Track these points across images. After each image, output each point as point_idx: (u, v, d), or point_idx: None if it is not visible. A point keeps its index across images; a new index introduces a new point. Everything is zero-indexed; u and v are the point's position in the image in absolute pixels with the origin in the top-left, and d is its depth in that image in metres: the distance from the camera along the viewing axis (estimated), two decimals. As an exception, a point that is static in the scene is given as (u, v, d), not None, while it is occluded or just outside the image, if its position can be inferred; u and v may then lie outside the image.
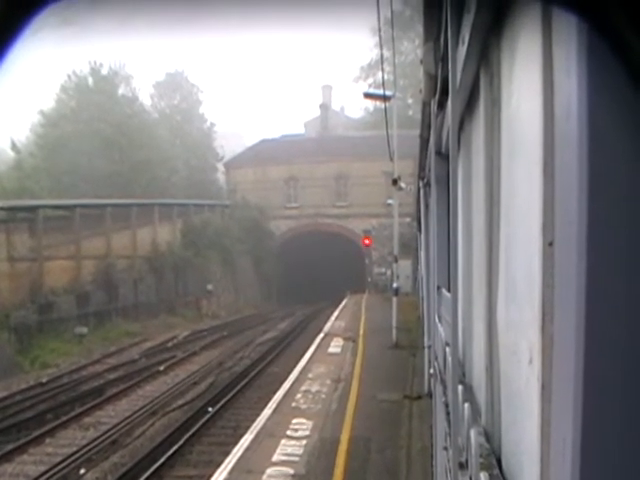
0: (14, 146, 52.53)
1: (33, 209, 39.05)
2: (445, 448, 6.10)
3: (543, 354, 2.25)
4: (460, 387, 4.53)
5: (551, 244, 2.17)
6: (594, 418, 1.68)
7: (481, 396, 4.05)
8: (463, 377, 5.02)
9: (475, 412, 4.08)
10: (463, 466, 4.00)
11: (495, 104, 3.66)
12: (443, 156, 8.66)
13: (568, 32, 1.80)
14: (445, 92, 6.11)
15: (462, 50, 4.03)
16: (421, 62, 6.87)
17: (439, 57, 5.70)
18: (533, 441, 2.35)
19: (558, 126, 2.12)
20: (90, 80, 58.60)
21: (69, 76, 57.61)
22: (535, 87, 2.34)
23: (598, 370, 1.67)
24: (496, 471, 3.21)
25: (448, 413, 5.54)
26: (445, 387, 6.55)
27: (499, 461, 3.35)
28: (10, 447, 19.10)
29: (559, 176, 2.11)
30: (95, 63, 58.43)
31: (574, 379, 1.76)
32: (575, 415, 1.75)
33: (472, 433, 3.53)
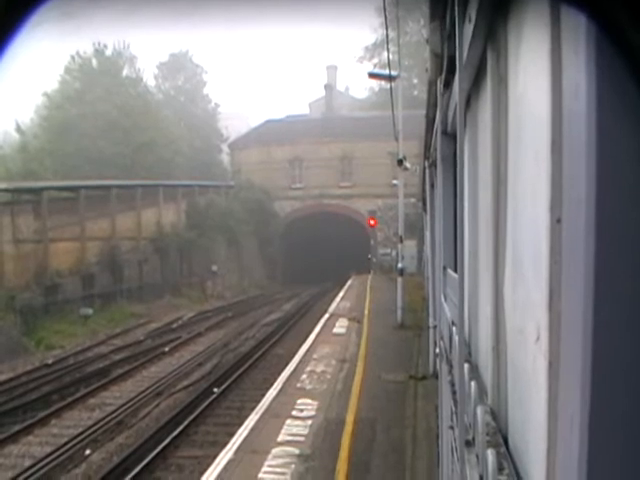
0: (19, 128, 52.53)
1: (38, 191, 39.07)
2: (451, 427, 6.12)
3: (550, 332, 2.24)
4: (466, 365, 4.54)
5: (559, 221, 2.16)
6: (602, 395, 1.68)
7: (487, 375, 4.04)
8: (469, 356, 5.02)
9: (481, 390, 4.09)
10: (470, 444, 4.01)
11: (502, 82, 3.64)
12: (449, 135, 8.63)
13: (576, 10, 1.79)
14: (451, 71, 6.08)
15: (469, 28, 4.00)
16: (427, 41, 6.84)
17: (445, 36, 5.66)
18: (540, 419, 2.35)
19: (566, 104, 2.10)
20: (94, 61, 58.45)
21: (73, 57, 57.48)
22: (543, 65, 2.32)
23: (606, 347, 1.66)
24: (503, 449, 3.21)
25: (454, 392, 5.55)
26: (451, 366, 6.55)
27: (505, 439, 3.35)
28: (16, 428, 19.23)
29: (567, 154, 2.09)
30: (99, 44, 58.31)
31: (582, 356, 1.76)
32: (583, 392, 1.74)
33: (478, 411, 3.53)
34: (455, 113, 6.73)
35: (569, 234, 2.05)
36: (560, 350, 2.14)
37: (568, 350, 2.02)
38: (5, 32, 1.50)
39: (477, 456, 3.59)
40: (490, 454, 3.03)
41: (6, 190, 37.68)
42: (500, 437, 3.37)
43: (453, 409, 5.68)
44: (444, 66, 6.27)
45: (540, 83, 2.39)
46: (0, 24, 1.50)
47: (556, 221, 2.18)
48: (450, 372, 6.58)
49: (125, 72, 62.15)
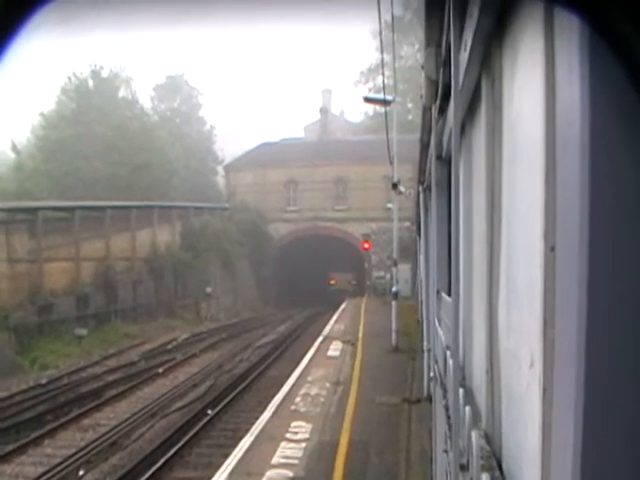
0: (14, 147, 52.55)
1: (33, 211, 39.02)
2: (445, 451, 6.12)
3: (544, 358, 2.26)
4: (461, 390, 4.55)
5: (553, 249, 2.18)
6: (595, 422, 1.70)
7: (481, 399, 4.06)
8: (463, 380, 5.03)
9: (475, 415, 4.10)
10: (464, 468, 4.02)
11: (497, 109, 3.68)
12: (444, 160, 8.67)
13: (570, 37, 1.82)
14: (446, 97, 6.14)
15: (464, 55, 4.05)
16: (422, 67, 6.89)
17: (440, 62, 5.72)
18: (534, 444, 2.36)
19: (560, 131, 2.13)
20: (90, 82, 58.56)
21: (69, 78, 57.57)
22: (537, 92, 2.36)
23: (599, 375, 1.68)
24: (497, 473, 3.23)
25: (449, 416, 5.56)
26: (445, 390, 6.56)
27: (499, 464, 3.36)
28: (9, 448, 19.11)
29: (561, 181, 2.12)
30: (95, 65, 58.51)
31: (575, 383, 1.77)
32: (576, 419, 1.76)
33: (473, 435, 3.54)
34: (450, 138, 6.77)
35: (563, 262, 2.07)
36: (554, 377, 2.16)
37: (562, 377, 2.03)
38: (2, 36, 1.52)
39: (472, 480, 3.60)
40: (485, 478, 3.04)
41: (1, 209, 37.68)
42: (494, 461, 3.38)
43: (447, 433, 5.67)
44: (439, 92, 6.33)
45: (534, 110, 2.42)
46: None
47: (550, 249, 2.21)
48: (444, 396, 6.58)
49: (121, 93, 62.28)
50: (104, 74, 59.74)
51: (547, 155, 2.25)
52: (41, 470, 17.27)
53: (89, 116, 54.68)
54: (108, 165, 52.85)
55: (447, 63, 5.27)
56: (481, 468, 3.30)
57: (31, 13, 1.55)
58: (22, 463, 18.29)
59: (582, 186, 1.73)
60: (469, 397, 4.59)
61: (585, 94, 1.69)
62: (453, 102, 4.58)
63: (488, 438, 3.67)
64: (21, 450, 19.11)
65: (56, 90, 57.91)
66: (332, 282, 66.29)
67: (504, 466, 3.30)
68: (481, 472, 3.20)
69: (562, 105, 2.09)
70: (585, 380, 1.71)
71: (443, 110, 6.88)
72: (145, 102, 70.21)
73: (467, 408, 4.09)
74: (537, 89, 2.35)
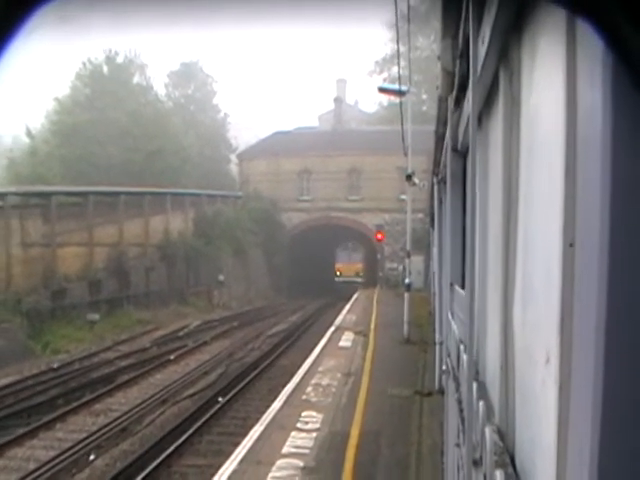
0: (29, 132, 52.68)
1: (47, 195, 39.15)
2: (457, 445, 6.11)
3: (561, 355, 2.25)
4: (474, 384, 4.54)
5: (572, 245, 2.17)
6: (613, 421, 1.68)
7: (495, 394, 4.04)
8: (477, 375, 5.02)
9: (489, 409, 4.09)
10: (477, 463, 4.01)
11: (515, 102, 3.66)
12: (459, 153, 8.64)
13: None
14: (462, 89, 6.11)
15: (482, 47, 4.02)
16: (438, 58, 6.86)
17: (457, 54, 5.69)
18: (549, 441, 2.35)
19: (581, 126, 2.11)
20: (105, 68, 58.68)
21: (84, 64, 57.72)
22: (557, 86, 2.33)
23: (618, 373, 1.67)
24: (510, 469, 3.22)
25: (461, 410, 5.54)
26: (458, 384, 6.55)
27: (512, 459, 3.35)
28: (21, 431, 19.25)
29: (581, 176, 2.10)
30: (110, 51, 58.56)
31: (593, 381, 1.76)
32: (594, 416, 1.75)
33: (487, 430, 3.53)
34: (465, 131, 6.75)
35: (582, 258, 2.06)
36: (571, 374, 2.14)
37: (579, 374, 2.02)
38: (2, 35, 1.51)
39: (485, 476, 3.59)
40: (499, 474, 3.04)
41: (15, 194, 37.78)
42: (507, 457, 3.37)
43: (460, 427, 5.67)
44: (455, 83, 6.30)
45: (554, 104, 2.40)
46: None
47: (569, 245, 2.19)
48: (457, 390, 6.57)
49: (136, 80, 62.35)
50: (119, 60, 59.81)
51: (567, 149, 2.23)
52: (52, 454, 17.39)
53: (103, 102, 54.82)
54: (122, 151, 52.99)
55: (464, 55, 5.25)
56: (495, 464, 3.29)
57: (32, 10, 1.55)
58: (33, 447, 18.43)
59: (603, 182, 1.71)
60: (482, 392, 4.58)
61: (607, 90, 1.67)
62: (471, 94, 4.55)
63: (501, 433, 3.66)
64: (32, 434, 19.26)
65: (62, 74, 58.11)
66: (338, 272, 65.47)
67: (517, 462, 3.29)
68: (495, 468, 3.19)
69: (583, 100, 2.07)
70: (604, 377, 1.70)
71: (459, 102, 6.86)
72: (159, 89, 70.39)
73: (481, 403, 4.08)
74: (557, 84, 2.33)
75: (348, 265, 65.35)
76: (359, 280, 63.07)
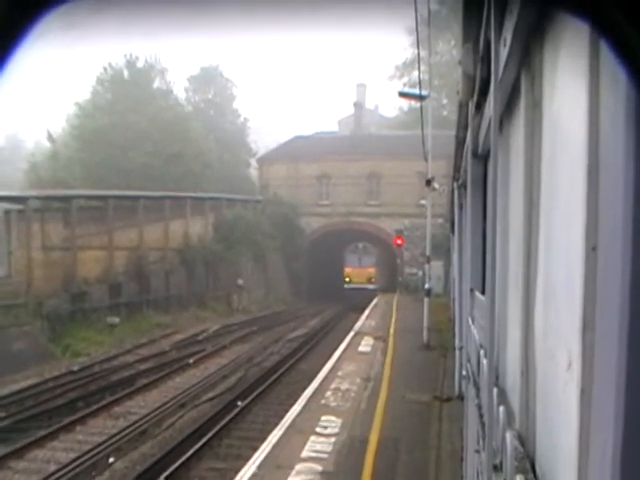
0: (50, 136, 53.01)
1: (67, 199, 39.40)
2: (477, 451, 6.08)
3: (583, 360, 2.23)
4: (495, 390, 4.51)
5: (594, 249, 2.16)
6: (636, 427, 1.67)
7: (515, 399, 4.02)
8: (497, 380, 5.00)
9: (509, 415, 4.07)
10: (497, 468, 3.99)
11: (536, 106, 3.64)
12: (479, 157, 8.61)
13: None
14: (483, 93, 6.09)
15: (503, 51, 4.01)
16: (459, 62, 6.85)
17: (478, 58, 5.67)
18: (571, 447, 2.33)
19: (603, 130, 2.10)
20: (125, 73, 58.99)
21: (105, 68, 58.07)
22: (580, 90, 2.32)
23: (642, 378, 1.65)
24: (531, 475, 3.20)
25: (481, 416, 5.52)
26: (478, 389, 6.52)
27: (533, 465, 3.33)
28: (42, 433, 19.38)
29: (604, 181, 2.09)
30: (131, 56, 58.86)
31: (616, 386, 1.75)
32: (617, 422, 1.73)
33: (507, 436, 3.51)
34: (486, 135, 6.72)
35: (605, 262, 2.04)
36: (593, 379, 2.13)
37: (602, 379, 2.01)
38: (8, 42, 1.52)
39: (505, 481, 3.57)
40: (519, 480, 3.02)
41: (37, 197, 38.04)
42: (528, 463, 3.35)
43: (480, 432, 5.64)
44: (476, 88, 6.28)
45: (577, 108, 2.39)
46: (2, 34, 1.51)
47: (591, 249, 2.18)
48: (477, 395, 6.54)
49: (156, 84, 62.62)
50: (139, 65, 60.11)
51: (590, 153, 2.22)
52: (72, 456, 17.53)
53: (124, 106, 55.07)
54: (142, 155, 53.19)
55: (485, 59, 5.23)
56: (515, 469, 3.27)
57: (38, 16, 1.55)
58: (54, 448, 18.58)
59: (626, 185, 1.70)
60: (503, 397, 4.56)
61: (631, 94, 1.66)
62: (492, 98, 4.53)
63: (521, 439, 3.64)
64: (53, 436, 19.41)
65: (91, 80, 58.41)
66: (347, 278, 61.30)
67: (537, 468, 3.27)
68: (515, 474, 3.18)
69: (607, 105, 2.05)
70: (626, 383, 1.69)
71: (480, 106, 6.83)
72: (179, 93, 70.64)
73: (501, 408, 4.07)
74: (580, 86, 2.31)
75: (359, 270, 61.79)
76: (371, 287, 59.74)
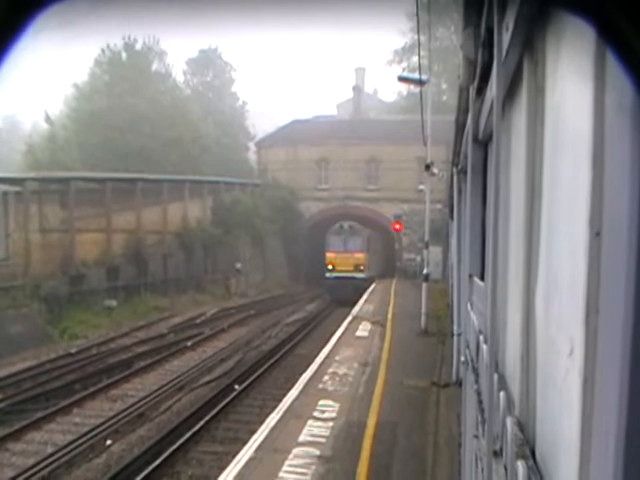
0: (47, 118, 52.86)
1: (65, 181, 39.38)
2: (476, 436, 6.09)
3: (586, 347, 2.22)
4: (495, 376, 4.51)
5: (598, 234, 2.14)
6: (639, 413, 1.66)
7: (515, 385, 4.02)
8: (496, 366, 4.99)
9: (509, 401, 4.07)
10: (497, 454, 4.00)
11: (539, 91, 3.62)
12: (480, 143, 8.57)
13: None
14: (484, 78, 6.06)
15: (506, 35, 3.98)
16: (460, 47, 6.81)
17: (479, 43, 5.64)
18: (572, 433, 2.33)
19: (609, 117, 2.08)
20: (124, 55, 58.79)
21: (103, 50, 57.83)
22: (585, 76, 2.30)
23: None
24: (531, 461, 3.20)
25: (480, 401, 5.53)
26: (477, 375, 6.52)
27: (532, 451, 3.33)
28: (39, 415, 19.42)
29: (609, 166, 2.07)
30: (129, 38, 58.64)
31: (619, 373, 1.74)
32: (620, 409, 1.73)
33: (508, 422, 3.51)
34: (487, 120, 6.70)
35: (609, 248, 2.03)
36: (596, 365, 2.12)
37: (605, 366, 2.00)
38: (6, 37, 1.51)
39: (505, 467, 3.57)
40: (520, 466, 3.02)
41: (34, 179, 37.98)
42: (527, 449, 3.35)
43: (479, 418, 5.65)
44: (477, 73, 6.25)
45: (581, 94, 2.37)
46: (2, 26, 1.50)
47: (595, 234, 2.16)
48: (476, 381, 6.55)
49: (154, 67, 62.41)
50: (137, 47, 59.89)
51: (595, 138, 2.20)
52: (69, 438, 17.56)
53: (122, 88, 54.97)
54: (140, 138, 53.12)
55: (486, 44, 5.20)
56: (515, 455, 3.27)
57: (35, 13, 1.54)
58: (51, 430, 18.62)
59: (632, 171, 1.69)
60: (502, 383, 4.56)
61: (637, 82, 1.64)
62: (495, 82, 4.50)
63: (521, 425, 3.64)
64: (50, 418, 19.45)
65: (89, 62, 58.21)
66: (331, 266, 50.19)
67: (537, 454, 3.27)
68: (516, 459, 3.18)
69: (612, 89, 2.04)
70: (630, 369, 1.68)
71: (481, 91, 6.80)
72: (178, 76, 70.47)
73: (502, 394, 4.06)
74: (585, 72, 2.29)
75: (344, 255, 50.02)
76: (360, 277, 49.91)
